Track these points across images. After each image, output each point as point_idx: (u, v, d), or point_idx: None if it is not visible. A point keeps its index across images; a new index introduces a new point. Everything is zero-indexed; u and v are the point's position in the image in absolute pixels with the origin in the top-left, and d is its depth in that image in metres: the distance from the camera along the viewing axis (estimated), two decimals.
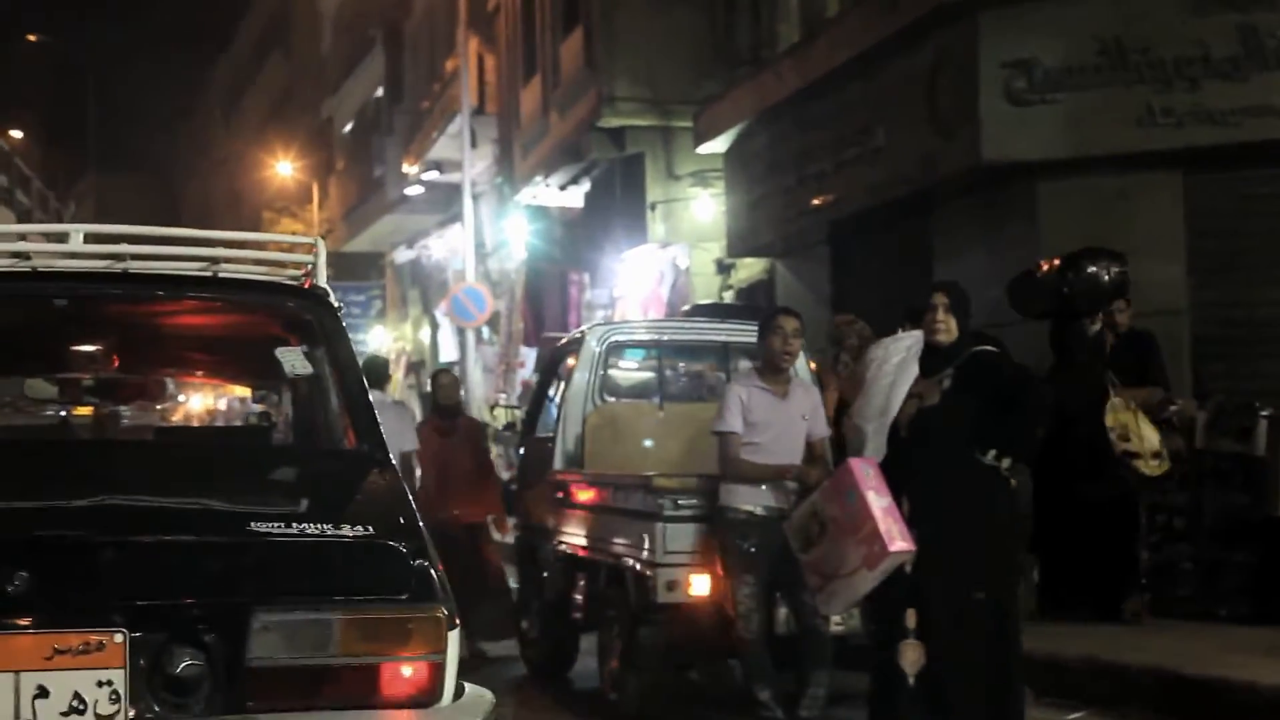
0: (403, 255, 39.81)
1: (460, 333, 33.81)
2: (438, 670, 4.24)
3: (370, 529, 4.38)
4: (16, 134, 48.43)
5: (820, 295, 16.72)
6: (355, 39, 42.64)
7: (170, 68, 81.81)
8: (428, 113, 32.80)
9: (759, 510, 7.99)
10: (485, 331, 29.94)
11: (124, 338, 6.46)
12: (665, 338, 10.79)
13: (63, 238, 5.76)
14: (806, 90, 15.76)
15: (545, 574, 10.52)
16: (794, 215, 16.69)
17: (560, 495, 10.16)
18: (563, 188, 23.69)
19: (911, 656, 6.91)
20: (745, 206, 18.16)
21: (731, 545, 8.01)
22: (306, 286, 5.73)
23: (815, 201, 15.98)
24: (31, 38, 59.80)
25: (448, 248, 34.85)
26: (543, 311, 25.27)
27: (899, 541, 6.83)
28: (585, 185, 23.27)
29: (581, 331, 11.08)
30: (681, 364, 10.96)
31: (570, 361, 10.69)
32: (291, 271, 5.89)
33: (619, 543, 8.85)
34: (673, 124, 20.74)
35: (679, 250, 21.38)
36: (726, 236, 18.96)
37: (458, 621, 4.32)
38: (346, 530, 4.35)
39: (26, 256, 5.57)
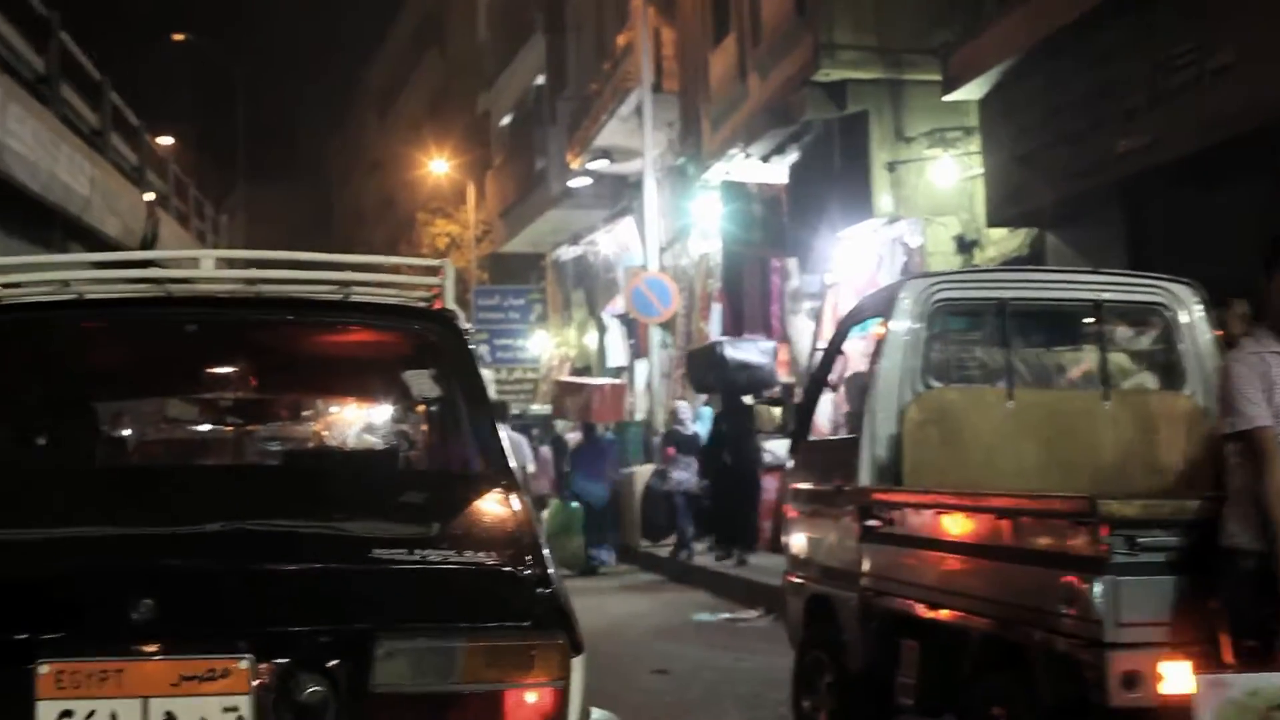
0: (566, 254, 37.17)
1: (630, 334, 31.12)
2: (561, 697, 4.16)
3: (494, 555, 4.46)
4: (167, 140, 46.36)
5: None
6: (513, 25, 40.15)
7: (321, 74, 79.90)
8: (596, 96, 30.10)
9: None
10: (659, 333, 27.00)
11: (256, 360, 6.34)
12: (1014, 295, 7.54)
13: (195, 263, 6.29)
14: (1108, 7, 12.42)
15: (846, 637, 7.34)
16: (1083, 170, 13.35)
17: (875, 523, 6.96)
18: (765, 159, 20.49)
19: None
20: (1010, 165, 14.85)
21: (1249, 614, 4.74)
22: (435, 309, 5.86)
23: (1120, 148, 12.62)
24: (178, 37, 58.07)
25: (617, 243, 32.22)
26: (741, 303, 22.07)
27: None
28: (792, 155, 20.05)
29: (893, 287, 7.85)
30: (1037, 333, 7.75)
31: (875, 332, 7.51)
32: (421, 294, 6.02)
33: (1014, 602, 5.61)
34: (903, 76, 17.52)
35: (909, 226, 18.14)
36: (987, 202, 15.65)
37: (582, 647, 4.25)
38: (470, 556, 4.43)
39: (160, 282, 5.99)
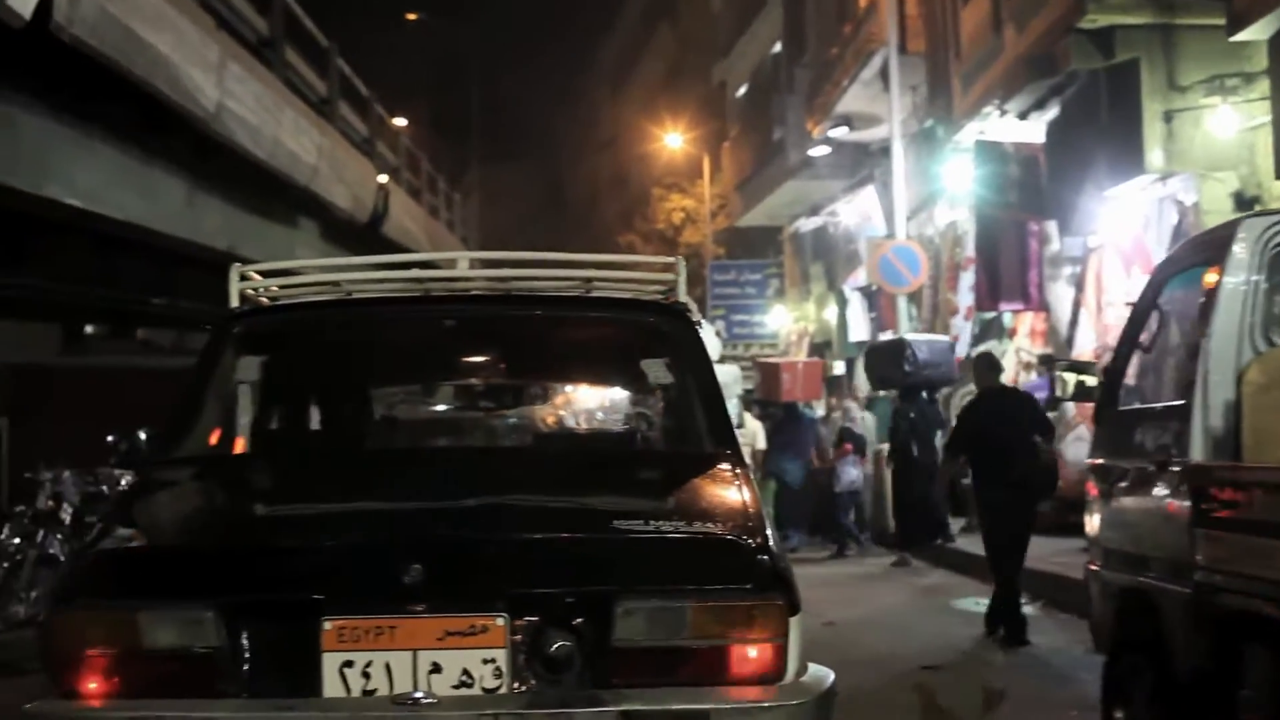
0: (805, 225, 36.16)
1: (871, 307, 30.06)
2: (780, 651, 4.64)
3: (719, 525, 4.93)
4: (401, 122, 46.53)
5: None
6: None
7: (552, 52, 79.78)
8: (836, 61, 29.07)
9: None
10: (903, 304, 25.84)
11: (507, 350, 6.95)
12: None
13: (452, 264, 6.87)
14: None
15: (1173, 639, 6.28)
16: None
17: (1211, 506, 5.89)
18: (1023, 115, 19.19)
19: None
20: None
21: None
22: (669, 302, 6.41)
23: None
24: (411, 16, 58.29)
25: (858, 213, 31.12)
26: (998, 271, 20.85)
27: None
28: (1052, 110, 18.75)
29: (1225, 228, 6.72)
30: None
31: (1203, 283, 6.42)
32: (656, 288, 6.57)
33: None
34: (1176, 20, 16.14)
35: (1183, 183, 16.75)
36: (1275, 153, 14.30)
37: (799, 608, 4.69)
38: (698, 527, 4.94)
39: (420, 281, 6.70)
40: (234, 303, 6.29)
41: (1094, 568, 7.46)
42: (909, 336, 21.40)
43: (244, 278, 6.37)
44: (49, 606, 4.91)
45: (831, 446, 21.53)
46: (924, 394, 19.86)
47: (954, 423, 14.52)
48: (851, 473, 20.39)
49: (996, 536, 12.44)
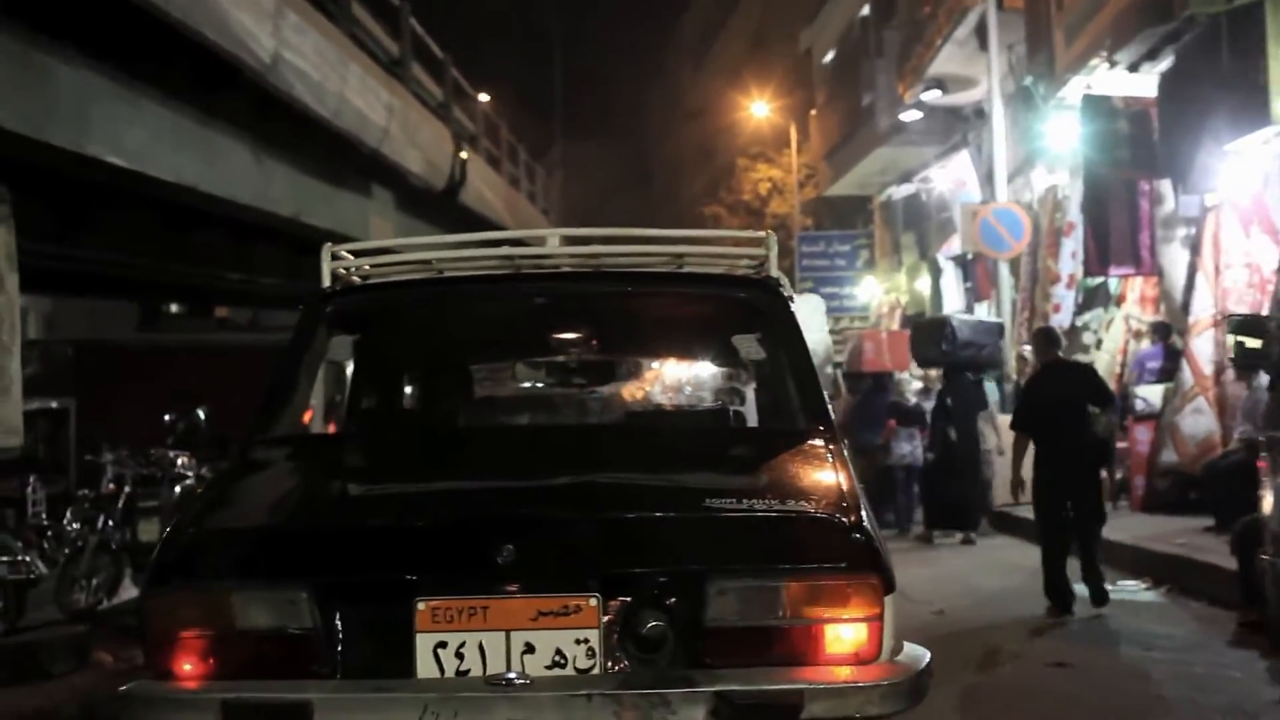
0: (896, 194, 35.21)
1: (966, 276, 29.08)
2: (875, 631, 4.58)
3: (813, 503, 4.80)
4: (484, 97, 45.99)
5: None
6: None
7: (635, 28, 78.97)
8: (928, 21, 28.07)
9: None
10: (1004, 271, 24.77)
11: (598, 327, 7.02)
12: None
13: (542, 242, 6.66)
14: None
15: None
16: None
17: None
18: (1133, 67, 18.06)
19: None
20: None
21: None
22: (760, 276, 6.30)
23: None
24: None
25: (952, 180, 30.10)
26: (1107, 234, 19.72)
27: None
28: (1166, 60, 17.61)
29: None
30: None
31: None
32: (747, 263, 6.48)
33: None
34: None
35: None
36: None
37: (894, 586, 4.64)
38: (792, 505, 4.78)
39: (510, 258, 6.68)
40: (326, 282, 6.33)
41: (1268, 557, 6.44)
42: (953, 315, 20.85)
43: (335, 257, 6.39)
44: (144, 587, 4.92)
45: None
46: (969, 375, 19.28)
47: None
48: (904, 447, 19.68)
49: (1050, 510, 12.31)
